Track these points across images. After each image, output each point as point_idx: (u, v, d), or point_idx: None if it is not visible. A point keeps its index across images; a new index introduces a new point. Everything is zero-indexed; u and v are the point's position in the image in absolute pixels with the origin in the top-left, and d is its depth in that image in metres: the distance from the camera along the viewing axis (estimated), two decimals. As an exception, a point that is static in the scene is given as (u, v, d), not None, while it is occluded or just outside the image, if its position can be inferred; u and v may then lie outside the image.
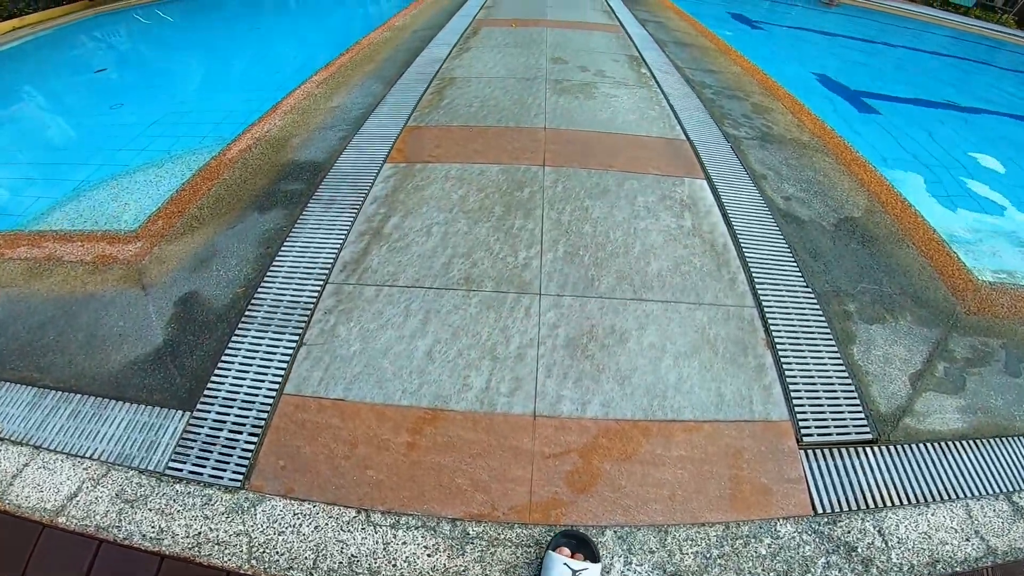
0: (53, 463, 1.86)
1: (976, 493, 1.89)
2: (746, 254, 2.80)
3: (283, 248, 2.74)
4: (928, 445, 2.02)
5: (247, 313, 2.35)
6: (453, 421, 1.93)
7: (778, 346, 2.27)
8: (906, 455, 1.98)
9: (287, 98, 4.95)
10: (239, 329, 2.27)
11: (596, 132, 3.93)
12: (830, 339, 2.35)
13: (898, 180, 4.54)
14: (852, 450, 1.96)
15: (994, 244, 3.88)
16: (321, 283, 2.48)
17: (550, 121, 4.03)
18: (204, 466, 1.83)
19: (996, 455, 2.02)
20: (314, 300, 2.39)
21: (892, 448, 2.00)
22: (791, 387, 2.12)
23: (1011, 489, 1.92)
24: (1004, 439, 2.08)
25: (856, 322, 2.50)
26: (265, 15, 14.97)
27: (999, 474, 1.96)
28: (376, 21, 9.44)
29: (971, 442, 2.05)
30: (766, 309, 2.45)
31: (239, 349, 2.18)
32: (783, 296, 2.55)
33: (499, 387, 2.03)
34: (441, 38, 6.30)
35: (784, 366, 2.20)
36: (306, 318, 2.31)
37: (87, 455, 1.88)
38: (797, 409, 2.05)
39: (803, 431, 1.99)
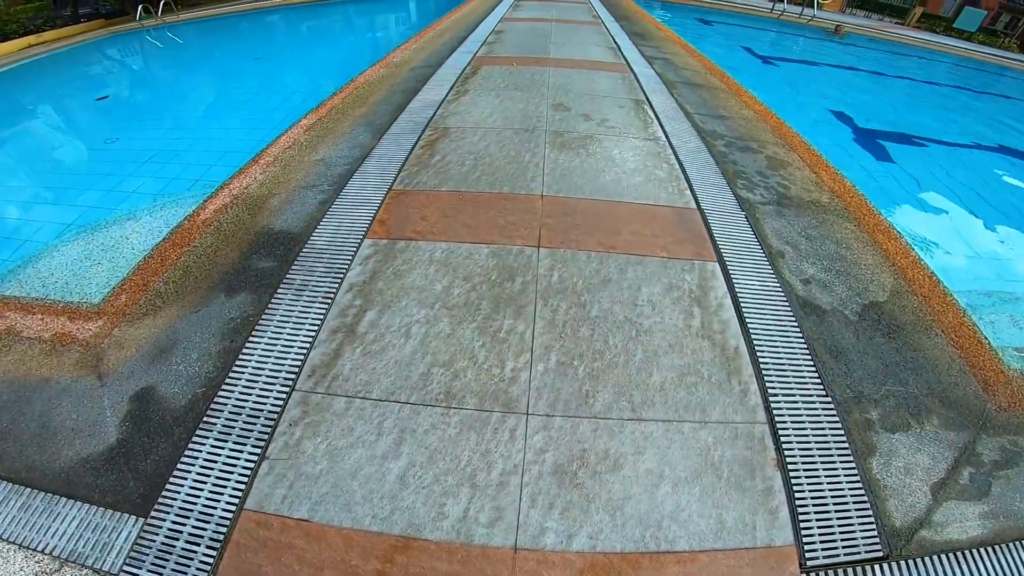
0: (6, 552, 1.86)
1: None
2: (760, 359, 2.66)
3: (248, 343, 2.65)
4: (941, 556, 1.97)
5: (206, 419, 2.28)
6: (427, 551, 1.85)
7: (789, 466, 2.17)
8: (916, 569, 1.92)
9: (271, 146, 4.88)
10: (197, 435, 2.20)
11: (598, 200, 3.88)
12: (847, 453, 2.25)
13: (920, 243, 4.37)
14: (859, 569, 1.90)
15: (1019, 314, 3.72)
16: (287, 390, 2.38)
17: (548, 186, 3.95)
18: (160, 574, 1.81)
19: (1012, 559, 1.97)
20: (279, 409, 2.29)
21: (903, 563, 1.94)
22: (800, 510, 2.03)
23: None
24: (1021, 541, 2.04)
25: (878, 431, 2.38)
26: (274, 41, 15.17)
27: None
28: (384, 50, 9.47)
29: (988, 548, 2.00)
30: (779, 425, 2.33)
31: (196, 457, 2.12)
32: (799, 408, 2.43)
33: (478, 516, 1.94)
34: (439, 77, 6.25)
35: (794, 487, 2.10)
36: (269, 429, 2.22)
37: (39, 549, 1.88)
38: (804, 532, 1.97)
39: (808, 555, 1.91)
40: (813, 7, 18.04)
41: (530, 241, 3.36)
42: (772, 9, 18.27)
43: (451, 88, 5.89)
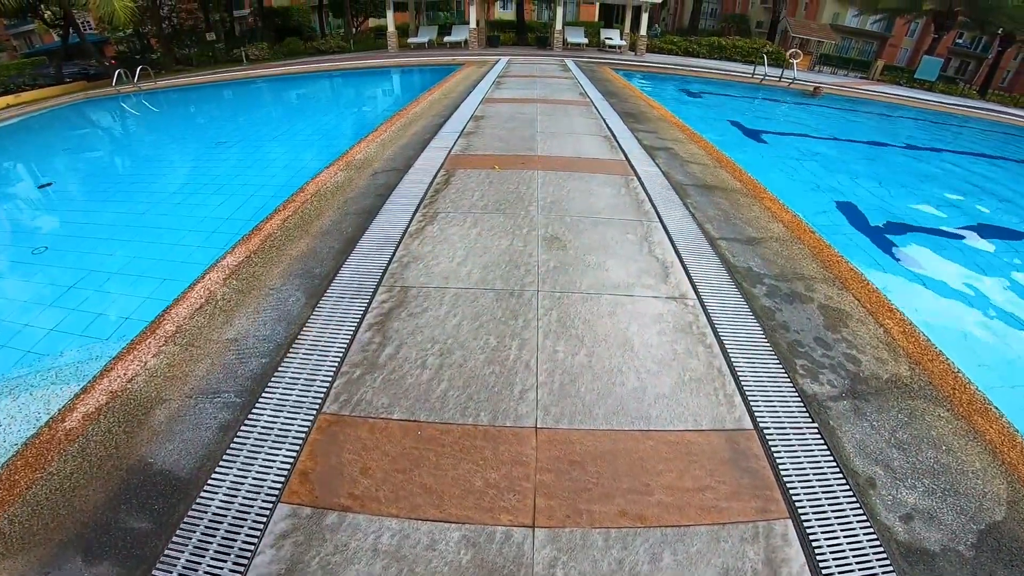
0: None
1: None
2: None
3: None
4: None
5: None
6: None
7: None
8: None
9: (179, 303, 3.58)
10: None
11: (616, 431, 2.50)
12: None
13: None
14: None
15: None
16: None
17: (545, 407, 2.61)
18: None
19: None
20: None
21: None
22: None
23: None
24: None
25: None
26: (244, 118, 13.98)
27: None
28: (363, 129, 8.26)
29: None
30: None
31: None
32: None
33: None
34: (403, 190, 4.94)
35: None
36: None
37: None
38: None
39: None
40: (793, 70, 17.42)
41: (521, 517, 2.04)
42: (753, 74, 17.63)
43: (417, 208, 4.55)
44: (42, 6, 20.14)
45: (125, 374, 2.82)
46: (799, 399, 2.76)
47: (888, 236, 6.22)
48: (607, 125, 7.69)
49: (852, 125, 13.20)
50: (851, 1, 31.65)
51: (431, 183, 5.10)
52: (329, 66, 19.00)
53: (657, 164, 6.03)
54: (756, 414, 2.62)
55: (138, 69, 17.07)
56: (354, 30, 31.14)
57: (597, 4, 32.56)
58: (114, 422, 2.50)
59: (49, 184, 8.77)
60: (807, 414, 2.66)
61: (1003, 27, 23.71)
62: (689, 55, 24.18)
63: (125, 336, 3.52)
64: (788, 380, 2.89)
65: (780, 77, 17.31)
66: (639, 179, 5.39)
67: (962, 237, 6.43)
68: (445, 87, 11.31)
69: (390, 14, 23.13)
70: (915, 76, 24.25)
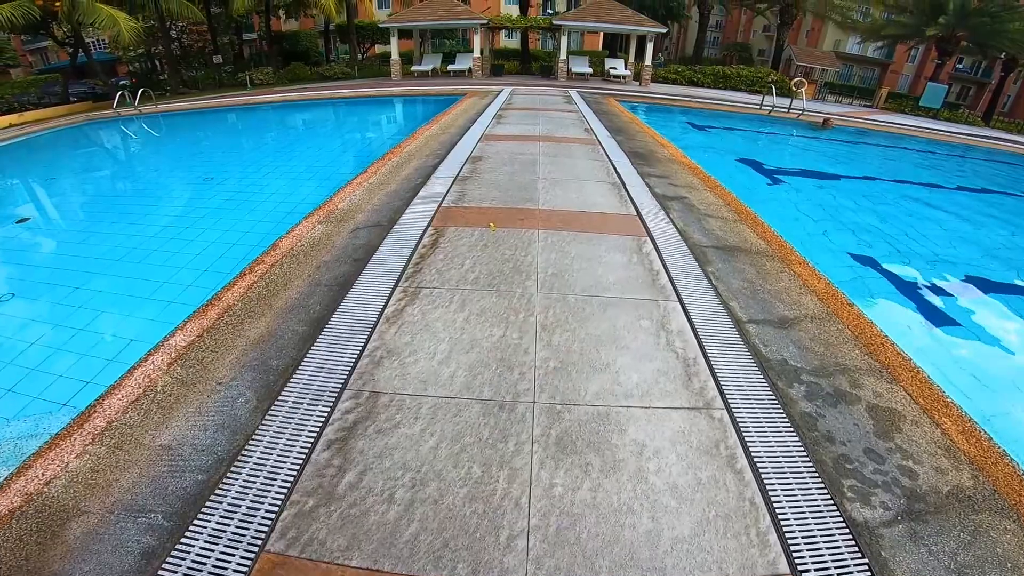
0: None
1: None
2: None
3: None
4: None
5: None
6: None
7: None
8: None
9: (112, 393, 3.07)
10: None
11: None
12: None
13: None
14: None
15: None
16: None
17: (538, 559, 2.05)
18: None
19: None
20: None
21: None
22: None
23: None
24: None
25: None
26: (240, 146, 13.59)
27: None
28: (360, 163, 7.78)
29: None
30: None
31: None
32: None
33: None
34: (384, 255, 4.40)
35: None
36: None
37: None
38: None
39: None
40: (801, 99, 17.04)
41: None
42: (761, 105, 17.24)
43: (397, 281, 3.96)
44: (53, 24, 20.13)
45: (43, 475, 2.39)
46: (847, 531, 2.26)
47: (929, 300, 5.63)
48: (615, 169, 7.16)
49: (869, 161, 12.71)
50: (853, 28, 31.57)
51: (416, 246, 4.52)
52: (330, 94, 18.74)
53: (671, 219, 5.47)
54: (795, 555, 2.13)
55: (139, 92, 16.84)
56: (360, 56, 31.18)
57: (601, 33, 32.57)
58: (26, 530, 2.14)
59: (27, 219, 8.31)
60: (856, 548, 2.18)
61: (1006, 51, 23.39)
62: (693, 84, 23.94)
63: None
64: (834, 507, 2.37)
65: (789, 108, 16.92)
66: (652, 241, 4.81)
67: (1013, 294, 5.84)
68: (444, 120, 10.88)
69: (394, 41, 23.05)
70: (919, 104, 23.87)
